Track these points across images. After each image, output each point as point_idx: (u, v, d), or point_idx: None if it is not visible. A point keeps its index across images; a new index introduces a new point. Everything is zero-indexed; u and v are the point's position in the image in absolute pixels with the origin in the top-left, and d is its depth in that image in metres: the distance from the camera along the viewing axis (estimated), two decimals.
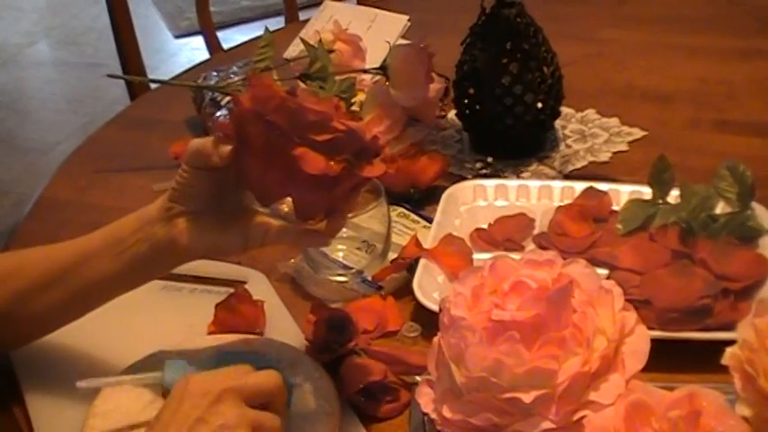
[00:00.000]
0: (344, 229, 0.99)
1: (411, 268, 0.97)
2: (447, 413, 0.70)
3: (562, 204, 1.06)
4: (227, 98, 1.22)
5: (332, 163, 0.75)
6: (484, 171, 1.17)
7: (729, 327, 0.87)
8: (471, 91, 1.19)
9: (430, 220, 1.06)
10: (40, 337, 0.89)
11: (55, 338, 0.88)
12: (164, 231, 0.80)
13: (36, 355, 0.90)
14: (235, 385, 0.71)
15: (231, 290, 0.96)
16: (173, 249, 0.80)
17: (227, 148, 0.77)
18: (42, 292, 0.83)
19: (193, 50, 3.43)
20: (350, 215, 0.82)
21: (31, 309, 0.84)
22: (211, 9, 1.79)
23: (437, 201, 1.08)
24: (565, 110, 1.24)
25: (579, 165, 1.18)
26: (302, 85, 1.15)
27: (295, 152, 0.74)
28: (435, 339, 0.74)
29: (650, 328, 0.73)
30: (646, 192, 1.04)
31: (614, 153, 1.20)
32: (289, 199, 0.80)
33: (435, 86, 1.19)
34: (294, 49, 1.33)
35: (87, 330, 0.87)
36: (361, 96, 1.20)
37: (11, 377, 0.89)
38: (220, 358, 0.77)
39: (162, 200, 0.81)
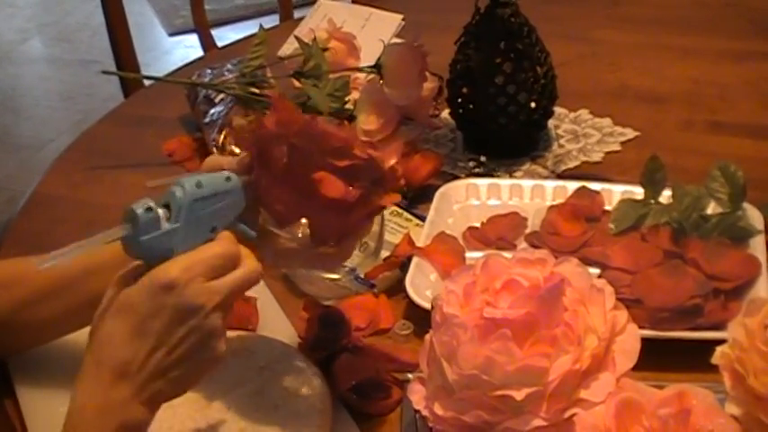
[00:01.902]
0: None
1: (404, 266, 0.98)
2: (439, 410, 0.71)
3: (554, 204, 1.06)
4: (221, 95, 1.22)
5: (351, 189, 0.77)
6: (477, 170, 1.17)
7: (720, 326, 0.87)
8: (465, 90, 1.19)
9: (423, 219, 1.06)
10: (38, 345, 0.89)
11: (49, 346, 0.88)
12: None
13: (29, 352, 0.90)
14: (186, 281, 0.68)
15: None
16: None
17: (245, 159, 0.77)
18: (45, 301, 0.83)
19: (187, 48, 3.42)
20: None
21: (32, 317, 0.84)
22: (206, 7, 1.79)
23: (430, 199, 1.08)
24: (558, 110, 1.25)
25: (572, 164, 1.19)
26: (296, 83, 1.15)
27: (316, 176, 0.76)
28: (427, 337, 0.74)
29: (641, 328, 0.74)
30: (638, 192, 1.04)
31: (607, 153, 1.20)
32: (303, 222, 0.80)
33: (429, 85, 1.19)
34: (288, 48, 1.33)
35: (82, 338, 0.86)
36: (355, 95, 1.20)
37: (3, 373, 0.89)
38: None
39: None
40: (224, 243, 0.71)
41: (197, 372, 0.70)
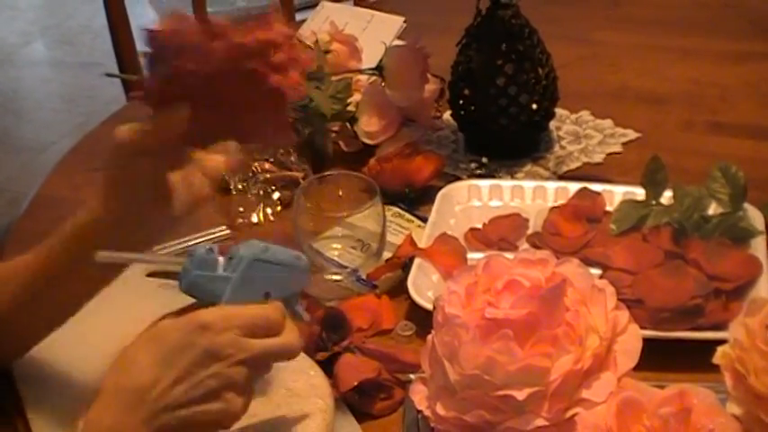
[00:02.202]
0: (339, 229, 1.00)
1: (406, 267, 0.98)
2: (440, 410, 0.71)
3: (556, 205, 1.07)
4: None
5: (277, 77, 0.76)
6: (478, 171, 1.18)
7: (721, 326, 0.87)
8: (466, 92, 1.19)
9: (425, 220, 1.06)
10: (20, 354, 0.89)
11: (54, 347, 0.87)
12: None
13: (36, 365, 0.89)
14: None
15: None
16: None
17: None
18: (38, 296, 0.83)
19: None
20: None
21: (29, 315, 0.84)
22: (208, 9, 1.79)
23: (432, 200, 1.08)
24: (559, 111, 1.25)
25: (573, 166, 1.19)
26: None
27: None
28: (429, 337, 0.74)
29: (642, 328, 0.74)
30: (639, 192, 1.04)
31: (608, 154, 1.21)
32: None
33: (431, 87, 1.20)
34: None
35: (87, 339, 0.87)
36: (357, 96, 1.20)
37: (12, 388, 0.90)
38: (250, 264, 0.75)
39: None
40: (271, 309, 0.72)
41: (209, 420, 0.69)
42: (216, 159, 0.82)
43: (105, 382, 0.69)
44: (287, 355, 0.72)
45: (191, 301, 0.72)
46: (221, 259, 0.72)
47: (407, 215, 1.10)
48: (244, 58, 0.75)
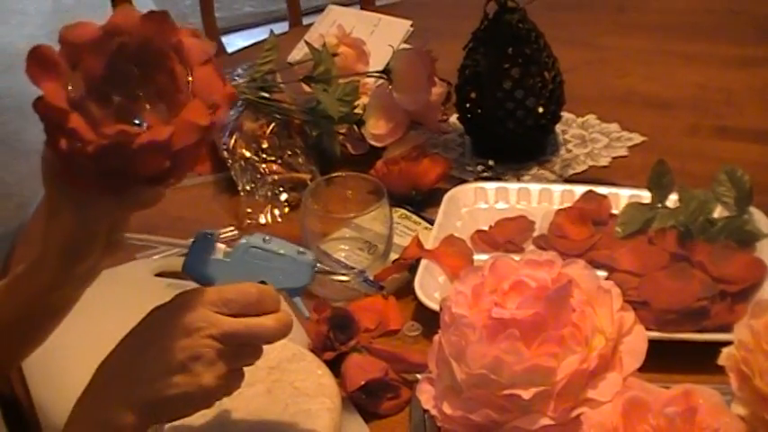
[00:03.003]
0: (347, 230, 1.01)
1: (412, 269, 0.98)
2: (447, 410, 0.72)
3: (562, 207, 1.07)
4: None
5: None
6: (485, 174, 1.18)
7: (726, 328, 0.87)
8: (473, 95, 1.20)
9: (431, 222, 1.07)
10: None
11: (64, 347, 0.87)
12: None
13: (46, 366, 0.90)
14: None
15: None
16: None
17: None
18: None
19: None
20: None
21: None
22: (215, 14, 1.80)
23: (438, 203, 1.09)
24: (565, 115, 1.25)
25: (579, 169, 1.19)
26: (306, 88, 1.16)
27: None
28: (436, 337, 0.75)
29: (648, 329, 0.74)
30: (645, 196, 1.05)
31: (614, 158, 1.21)
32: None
33: (437, 90, 1.20)
34: (298, 53, 1.34)
35: (96, 338, 0.86)
36: (364, 99, 1.21)
37: (23, 388, 0.91)
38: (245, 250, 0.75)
39: None
40: (254, 289, 0.71)
41: (179, 394, 0.68)
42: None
43: (92, 378, 0.70)
44: (263, 336, 0.71)
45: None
46: (222, 246, 0.74)
47: (414, 217, 1.10)
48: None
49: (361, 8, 1.73)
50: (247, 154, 1.16)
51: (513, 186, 1.12)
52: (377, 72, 1.19)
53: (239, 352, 0.71)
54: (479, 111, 1.20)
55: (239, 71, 1.31)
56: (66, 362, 0.90)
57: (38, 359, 0.89)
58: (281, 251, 0.75)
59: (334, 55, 1.20)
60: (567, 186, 1.11)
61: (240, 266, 0.73)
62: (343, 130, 1.21)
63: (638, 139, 1.24)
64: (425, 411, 0.75)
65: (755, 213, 1.00)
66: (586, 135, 1.26)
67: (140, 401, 0.68)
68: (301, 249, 0.77)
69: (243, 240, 0.74)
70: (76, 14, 4.12)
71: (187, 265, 0.74)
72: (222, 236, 1.08)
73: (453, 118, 1.27)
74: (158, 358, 0.68)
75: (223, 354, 0.69)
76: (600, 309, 0.73)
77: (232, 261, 0.74)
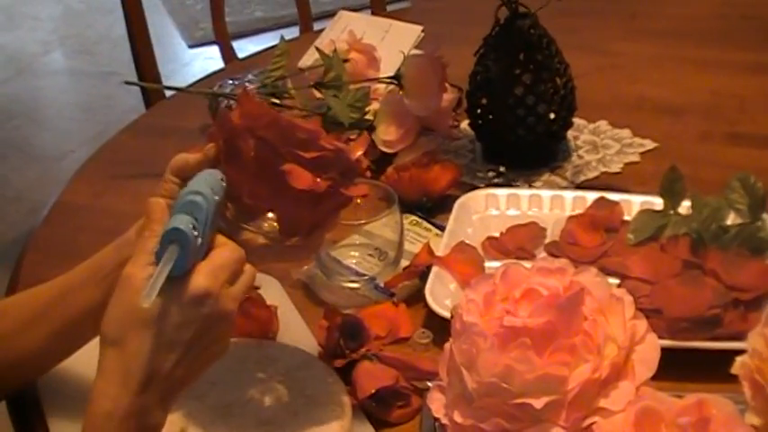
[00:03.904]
0: (357, 237, 1.01)
1: (423, 276, 0.98)
2: (458, 418, 0.71)
3: (574, 214, 1.07)
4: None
5: (319, 180, 0.77)
6: (496, 180, 1.18)
7: (739, 337, 0.87)
8: (484, 101, 1.19)
9: (442, 229, 1.06)
10: (29, 381, 0.89)
11: (79, 366, 0.87)
12: None
13: (56, 370, 0.90)
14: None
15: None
16: None
17: (210, 151, 0.79)
18: (26, 331, 0.84)
19: (207, 60, 3.44)
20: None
21: (16, 350, 0.84)
22: (226, 19, 1.80)
23: (449, 209, 1.08)
24: (577, 121, 1.25)
25: (591, 175, 1.19)
26: (317, 94, 1.16)
27: (284, 168, 0.76)
28: (447, 345, 0.75)
29: (660, 338, 0.74)
30: (657, 202, 1.04)
31: (626, 164, 1.21)
32: (270, 216, 0.81)
33: (448, 96, 1.20)
34: (309, 59, 1.34)
35: None
36: (375, 105, 1.21)
37: (38, 407, 0.90)
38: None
39: (141, 221, 0.80)
40: (232, 247, 0.73)
41: (206, 370, 0.73)
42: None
43: (107, 371, 0.69)
44: (253, 280, 0.75)
45: None
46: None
47: (425, 224, 1.10)
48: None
49: (372, 13, 1.73)
50: None
51: (524, 193, 1.12)
52: (388, 78, 1.19)
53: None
54: (490, 117, 1.20)
55: (250, 77, 1.31)
56: (76, 367, 0.89)
57: (55, 386, 0.89)
58: (221, 192, 0.75)
59: (345, 61, 1.19)
60: (579, 193, 1.11)
61: (209, 232, 0.72)
62: (353, 137, 1.20)
63: (650, 145, 1.24)
64: (436, 420, 0.75)
65: None
66: (598, 141, 1.26)
67: (176, 397, 0.72)
68: (220, 175, 0.76)
69: (203, 204, 0.71)
70: (87, 20, 4.18)
71: (181, 268, 0.69)
72: None
73: (464, 124, 1.26)
74: (197, 355, 0.70)
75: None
76: (612, 317, 0.72)
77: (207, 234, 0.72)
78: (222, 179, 0.76)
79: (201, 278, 0.69)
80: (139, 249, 0.71)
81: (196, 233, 0.69)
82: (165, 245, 0.68)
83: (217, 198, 0.74)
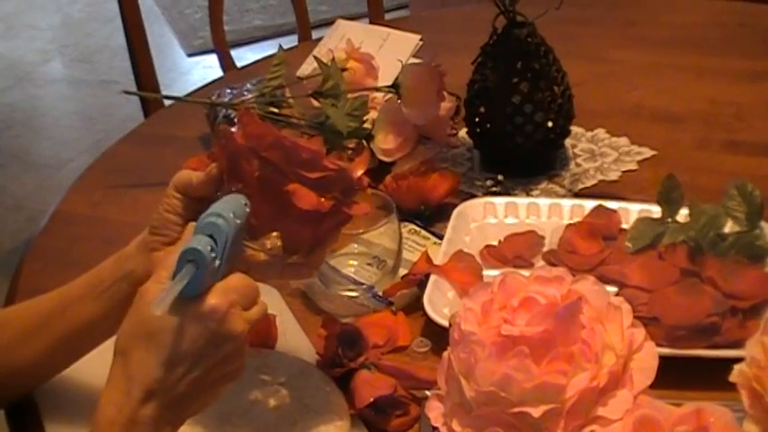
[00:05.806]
0: (356, 245, 1.01)
1: (421, 284, 0.98)
2: (456, 427, 0.71)
3: (572, 222, 1.07)
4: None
5: (322, 200, 0.78)
6: (494, 189, 1.18)
7: (737, 345, 0.87)
8: (482, 110, 1.20)
9: (440, 237, 1.07)
10: (27, 391, 0.90)
11: (77, 375, 0.88)
12: (142, 266, 0.80)
13: (59, 393, 0.90)
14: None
15: None
16: None
17: (213, 171, 0.79)
18: (26, 342, 0.84)
19: (206, 69, 3.45)
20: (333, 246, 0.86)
21: (16, 361, 0.85)
22: (224, 28, 1.81)
23: (447, 218, 1.09)
24: (575, 129, 1.25)
25: (589, 183, 1.19)
26: (315, 103, 1.17)
27: (288, 188, 0.77)
28: (445, 354, 0.75)
29: (658, 346, 0.74)
30: (655, 210, 1.04)
31: (624, 172, 1.21)
32: (273, 234, 0.82)
33: (446, 105, 1.20)
34: (307, 68, 1.34)
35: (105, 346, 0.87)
36: (373, 114, 1.21)
37: (35, 414, 0.90)
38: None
39: (141, 235, 0.82)
40: (250, 279, 0.74)
41: (219, 394, 0.73)
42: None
43: (114, 378, 0.70)
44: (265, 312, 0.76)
45: None
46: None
47: (423, 232, 1.10)
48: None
49: (370, 22, 1.74)
50: None
51: (522, 201, 1.12)
52: (386, 87, 1.19)
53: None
54: (488, 125, 1.20)
55: (248, 86, 1.32)
56: (73, 373, 0.89)
57: (52, 394, 0.89)
58: (244, 216, 0.75)
59: (343, 70, 1.20)
60: (577, 201, 1.11)
61: (229, 256, 0.73)
62: (351, 145, 1.20)
63: (647, 153, 1.24)
64: (435, 429, 0.75)
65: (766, 228, 1.00)
66: (596, 149, 1.26)
67: (185, 414, 0.72)
68: (244, 200, 0.76)
69: (224, 228, 0.72)
70: (86, 29, 4.19)
71: (195, 288, 0.70)
72: None
73: (462, 132, 1.26)
74: (205, 371, 0.70)
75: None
76: (610, 325, 0.72)
77: (226, 258, 0.72)
78: (246, 204, 0.76)
79: (211, 295, 0.70)
80: (160, 266, 0.72)
81: (213, 255, 0.70)
82: (183, 263, 0.69)
83: (239, 222, 0.74)
